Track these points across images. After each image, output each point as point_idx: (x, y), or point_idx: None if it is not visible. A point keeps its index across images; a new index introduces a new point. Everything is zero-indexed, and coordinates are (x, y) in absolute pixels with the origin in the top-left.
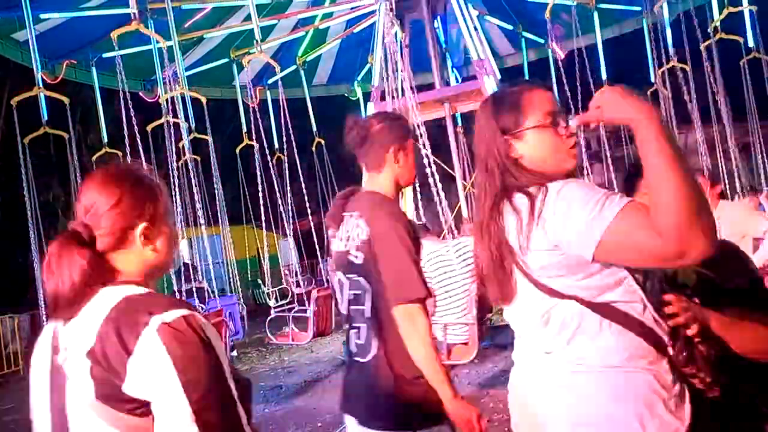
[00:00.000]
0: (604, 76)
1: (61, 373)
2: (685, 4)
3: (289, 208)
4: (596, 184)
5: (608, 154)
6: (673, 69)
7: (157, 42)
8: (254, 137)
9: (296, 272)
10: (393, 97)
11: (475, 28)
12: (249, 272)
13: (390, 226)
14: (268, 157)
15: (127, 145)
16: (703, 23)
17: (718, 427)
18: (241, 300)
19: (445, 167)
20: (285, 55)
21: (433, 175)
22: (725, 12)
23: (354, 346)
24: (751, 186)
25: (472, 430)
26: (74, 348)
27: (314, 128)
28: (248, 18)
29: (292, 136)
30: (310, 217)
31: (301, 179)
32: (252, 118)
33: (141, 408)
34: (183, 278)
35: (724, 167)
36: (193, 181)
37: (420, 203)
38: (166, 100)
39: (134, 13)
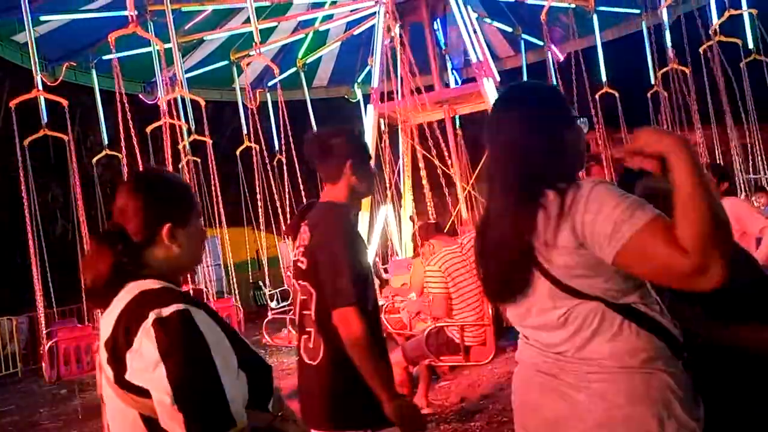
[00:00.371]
0: (603, 78)
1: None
2: (685, 5)
3: (289, 209)
4: None
5: (605, 156)
6: (674, 71)
7: (155, 44)
8: (254, 139)
9: None
10: (393, 99)
11: (475, 31)
12: (250, 274)
13: (329, 233)
14: (268, 159)
15: (123, 147)
16: (704, 25)
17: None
18: (238, 302)
19: (445, 169)
20: (285, 57)
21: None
22: (726, 15)
23: (305, 350)
24: (758, 184)
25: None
26: (102, 337)
27: (314, 130)
28: (249, 20)
29: (291, 138)
30: None
31: (301, 181)
32: (252, 121)
33: (143, 390)
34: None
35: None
36: (192, 182)
37: (431, 203)
38: (166, 102)
39: (132, 16)
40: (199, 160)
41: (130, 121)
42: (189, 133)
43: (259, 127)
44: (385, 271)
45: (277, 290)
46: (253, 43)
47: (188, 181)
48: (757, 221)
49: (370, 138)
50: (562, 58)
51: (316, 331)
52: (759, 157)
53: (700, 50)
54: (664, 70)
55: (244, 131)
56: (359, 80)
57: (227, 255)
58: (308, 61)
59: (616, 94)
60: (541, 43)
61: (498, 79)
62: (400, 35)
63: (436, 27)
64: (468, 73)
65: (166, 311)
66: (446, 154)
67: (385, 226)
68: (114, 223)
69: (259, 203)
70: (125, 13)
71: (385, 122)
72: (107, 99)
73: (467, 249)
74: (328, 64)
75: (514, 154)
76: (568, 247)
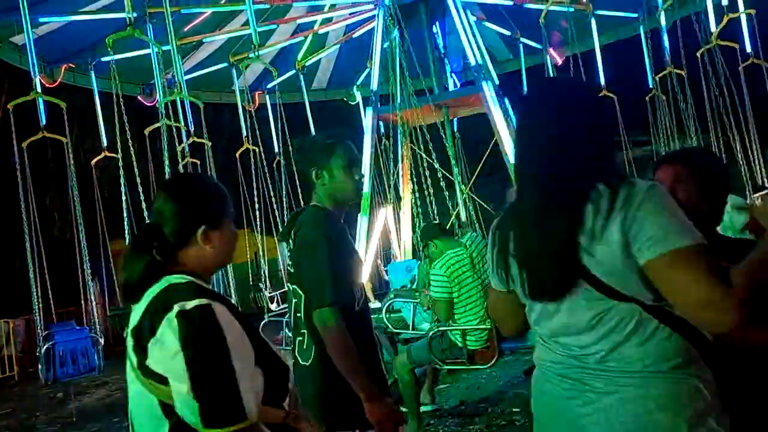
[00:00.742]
0: (602, 81)
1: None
2: (686, 9)
3: (288, 211)
4: None
5: None
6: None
7: (154, 46)
8: (253, 141)
9: None
10: (392, 102)
11: (474, 34)
12: (250, 276)
13: (306, 236)
14: (266, 162)
15: (120, 150)
16: (702, 29)
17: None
18: (237, 304)
19: (444, 172)
20: (284, 60)
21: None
22: (725, 19)
23: (299, 351)
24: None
25: (384, 430)
26: (129, 326)
27: (313, 132)
28: (248, 23)
29: (289, 140)
30: None
31: (299, 183)
32: (250, 123)
33: (166, 379)
34: None
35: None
36: None
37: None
38: (165, 104)
39: (129, 18)
40: (198, 163)
41: (128, 124)
42: (188, 135)
43: (258, 129)
44: (386, 272)
45: (277, 292)
46: (252, 46)
47: None
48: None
49: (369, 140)
50: (560, 61)
51: (309, 332)
52: (757, 160)
53: (698, 54)
54: (662, 73)
55: (243, 133)
56: (358, 83)
57: None
58: (307, 64)
59: (615, 98)
60: (540, 47)
61: (497, 82)
62: (400, 38)
63: (435, 30)
64: (467, 76)
65: (190, 304)
66: (446, 156)
67: (385, 228)
68: (151, 224)
69: (257, 205)
70: (123, 15)
71: (384, 125)
72: (106, 101)
73: (471, 251)
74: (328, 66)
75: (568, 146)
76: (614, 241)
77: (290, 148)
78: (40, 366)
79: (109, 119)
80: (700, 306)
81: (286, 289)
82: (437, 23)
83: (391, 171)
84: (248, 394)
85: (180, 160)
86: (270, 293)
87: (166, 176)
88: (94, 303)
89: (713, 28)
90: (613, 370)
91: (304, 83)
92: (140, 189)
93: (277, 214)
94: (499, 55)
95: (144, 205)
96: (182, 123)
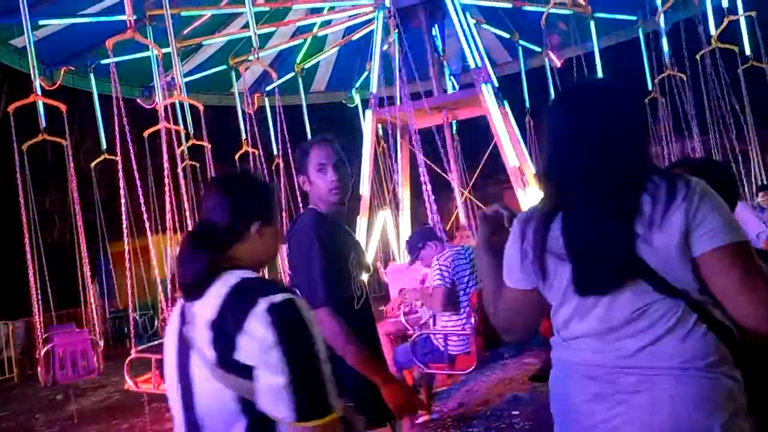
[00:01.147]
0: None
1: (187, 343)
2: (686, 11)
3: (287, 213)
4: None
5: None
6: (672, 77)
7: (153, 49)
8: (252, 144)
9: None
10: (391, 104)
11: (473, 37)
12: None
13: (296, 238)
14: (266, 164)
15: (119, 153)
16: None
17: None
18: None
19: (444, 174)
20: (284, 62)
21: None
22: (725, 22)
23: None
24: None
25: (403, 412)
26: (199, 322)
27: (308, 136)
28: (247, 25)
29: (288, 142)
30: None
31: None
32: (250, 125)
33: (250, 373)
34: (173, 286)
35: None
36: (190, 187)
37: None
38: (164, 106)
39: (129, 21)
40: (197, 165)
41: (128, 126)
42: (187, 137)
43: (257, 131)
44: (385, 275)
45: None
46: (252, 48)
47: (185, 185)
48: (754, 226)
49: (368, 143)
50: (559, 64)
51: None
52: (757, 163)
53: (697, 56)
54: (661, 76)
55: (243, 136)
56: (357, 85)
57: None
58: (306, 66)
59: None
60: (539, 49)
61: (496, 84)
62: (399, 41)
63: (434, 33)
64: (466, 78)
65: (277, 298)
66: (445, 159)
67: (384, 231)
68: (206, 220)
69: None
70: (123, 18)
71: (383, 127)
72: (105, 103)
73: (470, 253)
74: (327, 69)
75: (619, 142)
76: (676, 229)
77: (290, 150)
78: (39, 368)
79: (108, 122)
80: (754, 301)
81: None
82: (436, 26)
83: (391, 173)
84: (331, 385)
85: (179, 163)
86: None
87: (166, 178)
88: (93, 305)
89: (713, 30)
90: (647, 367)
91: (302, 86)
92: (140, 191)
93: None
94: (497, 58)
95: (143, 208)
96: (182, 125)
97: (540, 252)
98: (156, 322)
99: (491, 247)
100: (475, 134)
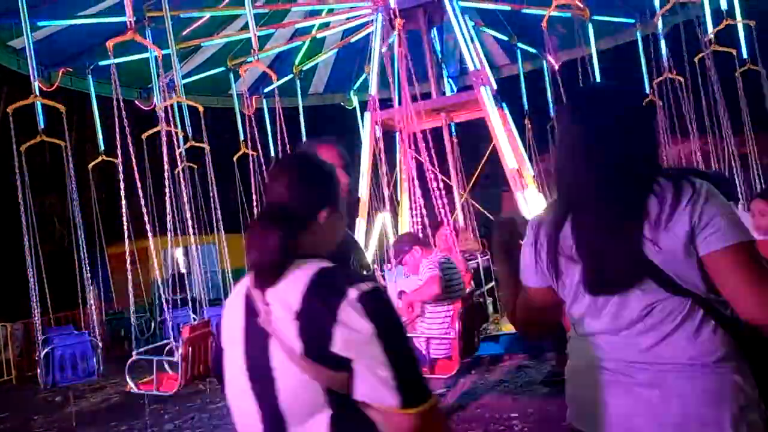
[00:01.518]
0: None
1: (260, 334)
2: (684, 13)
3: None
4: None
5: None
6: (669, 80)
7: (153, 51)
8: (251, 146)
9: None
10: (390, 107)
11: (471, 39)
12: None
13: None
14: (265, 166)
15: (120, 154)
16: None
17: None
18: None
19: (443, 176)
20: (282, 64)
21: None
22: (724, 23)
23: None
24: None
25: None
26: (279, 312)
27: (304, 138)
28: (246, 27)
29: (287, 144)
30: None
31: None
32: (248, 127)
33: (342, 363)
34: (172, 288)
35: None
36: (189, 189)
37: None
38: (162, 108)
39: (130, 22)
40: (196, 167)
41: (127, 128)
42: (186, 139)
43: (256, 133)
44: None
45: None
46: (251, 50)
47: (184, 188)
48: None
49: (367, 145)
50: (557, 66)
51: None
52: (755, 166)
53: (695, 59)
54: (659, 79)
55: (241, 138)
56: (355, 88)
57: (224, 262)
58: (305, 68)
59: None
60: (537, 52)
61: (495, 87)
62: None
63: (433, 35)
64: (464, 80)
65: (365, 287)
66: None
67: (383, 233)
68: (278, 203)
69: (255, 210)
70: (123, 19)
71: (381, 129)
72: (103, 105)
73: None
74: (325, 71)
75: (628, 145)
76: (682, 230)
77: (288, 152)
78: (39, 370)
79: (106, 123)
80: (761, 299)
81: None
82: (435, 28)
83: (390, 175)
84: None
85: (178, 164)
86: None
87: (166, 180)
88: (92, 307)
89: (710, 33)
90: (657, 363)
91: (300, 88)
92: (140, 193)
93: None
94: (496, 60)
95: (144, 210)
96: (180, 127)
97: (553, 254)
98: (153, 325)
99: (507, 251)
100: (475, 136)
